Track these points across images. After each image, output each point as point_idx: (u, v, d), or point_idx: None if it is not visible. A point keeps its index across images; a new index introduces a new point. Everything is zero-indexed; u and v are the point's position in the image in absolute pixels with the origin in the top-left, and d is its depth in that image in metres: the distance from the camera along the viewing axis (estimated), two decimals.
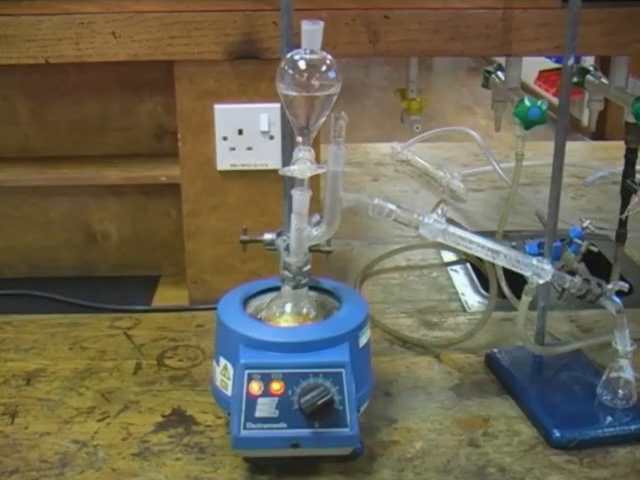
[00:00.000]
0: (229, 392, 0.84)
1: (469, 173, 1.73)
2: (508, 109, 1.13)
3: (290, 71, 0.81)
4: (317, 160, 0.85)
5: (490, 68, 1.20)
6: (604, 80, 1.13)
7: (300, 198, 0.83)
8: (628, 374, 0.93)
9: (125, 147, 1.25)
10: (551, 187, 0.96)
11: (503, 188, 1.64)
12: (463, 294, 1.26)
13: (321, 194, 0.92)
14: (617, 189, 1.11)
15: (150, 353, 1.08)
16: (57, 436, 0.92)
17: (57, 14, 1.06)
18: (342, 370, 0.82)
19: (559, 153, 0.95)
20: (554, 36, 1.07)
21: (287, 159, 0.90)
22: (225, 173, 1.15)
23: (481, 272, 1.28)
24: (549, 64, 1.29)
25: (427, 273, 1.33)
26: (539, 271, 0.89)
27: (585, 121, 3.48)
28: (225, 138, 1.12)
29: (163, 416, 0.95)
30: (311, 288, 0.91)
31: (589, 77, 1.14)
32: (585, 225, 0.97)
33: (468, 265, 1.34)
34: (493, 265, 1.10)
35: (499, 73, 1.18)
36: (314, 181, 0.86)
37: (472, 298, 1.24)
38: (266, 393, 0.82)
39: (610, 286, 0.91)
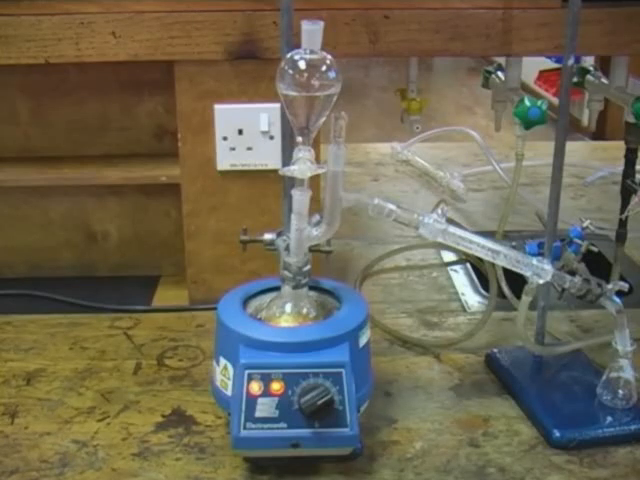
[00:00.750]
0: (229, 392, 0.84)
1: (469, 173, 1.73)
2: (508, 109, 1.13)
3: (290, 71, 0.81)
4: (317, 160, 0.85)
5: (490, 68, 1.20)
6: (604, 80, 1.13)
7: (300, 198, 0.83)
8: (628, 374, 0.93)
9: (125, 147, 1.25)
10: (551, 187, 0.96)
11: (503, 188, 1.64)
12: (463, 294, 1.26)
13: (321, 194, 0.92)
14: (617, 189, 1.11)
15: (150, 353, 1.08)
16: (57, 436, 0.92)
17: (57, 14, 1.06)
18: (342, 370, 0.82)
19: (559, 153, 0.95)
20: (554, 36, 1.07)
21: (287, 159, 0.90)
22: (225, 173, 1.15)
23: (481, 272, 1.28)
24: (549, 64, 1.29)
25: (427, 273, 1.33)
26: (539, 271, 0.89)
27: (585, 121, 3.47)
28: (225, 138, 1.12)
29: (163, 416, 0.95)
30: (311, 288, 0.90)
31: (589, 77, 1.14)
32: (585, 225, 0.97)
33: (468, 265, 1.34)
34: (493, 265, 1.10)
35: (499, 73, 1.18)
36: (314, 181, 0.86)
37: (472, 298, 1.24)
38: (266, 393, 0.82)
39: (610, 286, 0.91)
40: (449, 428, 0.94)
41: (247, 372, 0.82)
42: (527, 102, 1.02)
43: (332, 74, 0.81)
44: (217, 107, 1.11)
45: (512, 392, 0.99)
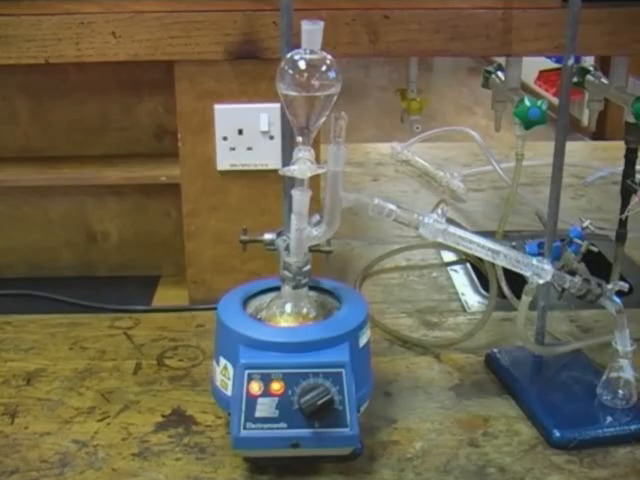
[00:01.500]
0: (229, 392, 0.84)
1: (469, 173, 1.73)
2: (508, 109, 1.13)
3: (290, 71, 0.81)
4: (317, 160, 0.85)
5: (490, 68, 1.20)
6: (604, 80, 1.13)
7: (300, 198, 0.83)
8: (628, 374, 0.93)
9: (125, 147, 1.25)
10: (551, 187, 0.96)
11: (503, 188, 1.64)
12: (463, 294, 1.26)
13: (321, 194, 0.92)
14: (617, 189, 1.11)
15: (150, 353, 1.08)
16: (57, 436, 0.92)
17: (57, 14, 1.06)
18: (342, 370, 0.82)
19: (559, 153, 0.95)
20: (554, 36, 1.07)
21: (287, 159, 0.90)
22: (225, 173, 1.15)
23: (481, 272, 1.28)
24: (549, 64, 1.29)
25: (427, 273, 1.33)
26: (539, 271, 0.89)
27: (585, 121, 3.47)
28: (225, 138, 1.12)
29: (163, 416, 0.95)
30: (311, 288, 0.90)
31: (589, 77, 1.14)
32: (585, 225, 0.97)
33: (468, 265, 1.34)
34: (493, 265, 1.10)
35: (499, 73, 1.18)
36: (314, 181, 0.86)
37: (472, 298, 1.24)
38: (266, 393, 0.82)
39: (610, 286, 0.91)
40: (449, 428, 0.94)
41: (247, 372, 0.82)
42: (527, 102, 1.02)
43: (332, 74, 0.81)
44: (217, 107, 1.11)
45: (512, 392, 0.99)
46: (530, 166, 1.62)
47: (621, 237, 1.12)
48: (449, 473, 0.86)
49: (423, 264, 1.36)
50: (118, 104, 1.23)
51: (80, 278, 1.29)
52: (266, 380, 0.82)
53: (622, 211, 1.09)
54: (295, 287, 0.87)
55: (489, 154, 1.67)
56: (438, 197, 1.62)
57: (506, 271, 0.97)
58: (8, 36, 1.06)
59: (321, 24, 0.80)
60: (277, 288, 0.90)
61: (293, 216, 0.84)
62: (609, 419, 0.93)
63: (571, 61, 0.91)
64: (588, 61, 1.20)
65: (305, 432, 0.82)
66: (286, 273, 0.87)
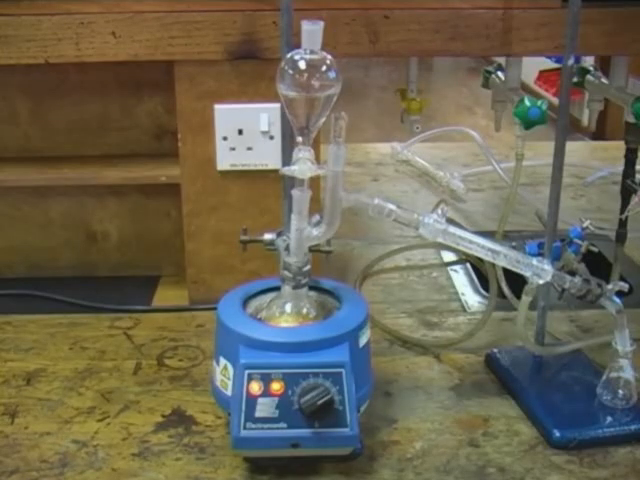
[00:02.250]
0: (229, 392, 0.84)
1: (469, 173, 1.73)
2: (508, 109, 1.13)
3: (290, 71, 0.81)
4: (317, 160, 0.85)
5: (490, 68, 1.20)
6: (604, 80, 1.13)
7: (300, 198, 0.83)
8: (628, 374, 0.93)
9: (125, 147, 1.25)
10: (551, 187, 0.96)
11: (503, 188, 1.64)
12: (463, 294, 1.26)
13: (321, 194, 0.92)
14: (617, 189, 1.11)
15: (150, 353, 1.08)
16: (57, 436, 0.92)
17: (57, 14, 1.06)
18: (342, 370, 0.82)
19: (559, 153, 0.95)
20: (554, 36, 1.07)
21: (287, 159, 0.90)
22: (225, 173, 1.15)
23: (481, 272, 1.28)
24: (549, 64, 1.29)
25: (427, 273, 1.33)
26: (539, 271, 0.89)
27: (585, 121, 3.47)
28: (225, 138, 1.12)
29: (163, 416, 0.95)
30: (311, 288, 0.90)
31: (589, 77, 1.14)
32: (585, 225, 0.97)
33: (468, 265, 1.34)
34: (493, 265, 1.10)
35: (499, 73, 1.18)
36: (314, 181, 0.86)
37: (472, 298, 1.24)
38: (266, 393, 0.82)
39: (610, 286, 0.91)
40: (449, 428, 0.94)
41: (247, 372, 0.82)
42: (527, 102, 1.02)
43: (332, 74, 0.81)
44: (217, 107, 1.11)
45: (512, 392, 0.99)
46: (530, 166, 1.62)
47: (621, 237, 1.12)
48: (449, 473, 0.86)
49: (423, 264, 1.36)
50: (118, 104, 1.23)
51: (80, 278, 1.29)
52: (266, 380, 0.82)
53: (622, 211, 1.09)
54: (295, 287, 0.87)
55: (489, 154, 1.67)
56: (438, 197, 1.62)
57: (506, 271, 0.97)
58: (8, 36, 1.06)
59: (321, 24, 0.80)
60: (277, 288, 0.90)
61: (293, 216, 0.84)
62: (609, 419, 0.93)
63: (571, 61, 0.91)
64: (588, 61, 1.20)
65: (305, 432, 0.82)
66: (286, 273, 0.87)
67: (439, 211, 0.86)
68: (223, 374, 0.85)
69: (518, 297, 0.97)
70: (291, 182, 0.85)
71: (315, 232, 0.85)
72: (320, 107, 0.82)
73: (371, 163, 1.84)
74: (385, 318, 1.17)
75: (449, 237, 0.87)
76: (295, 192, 0.83)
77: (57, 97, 1.22)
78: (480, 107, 4.88)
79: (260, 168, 1.14)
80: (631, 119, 1.06)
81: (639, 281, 1.27)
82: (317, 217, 0.86)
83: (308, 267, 0.87)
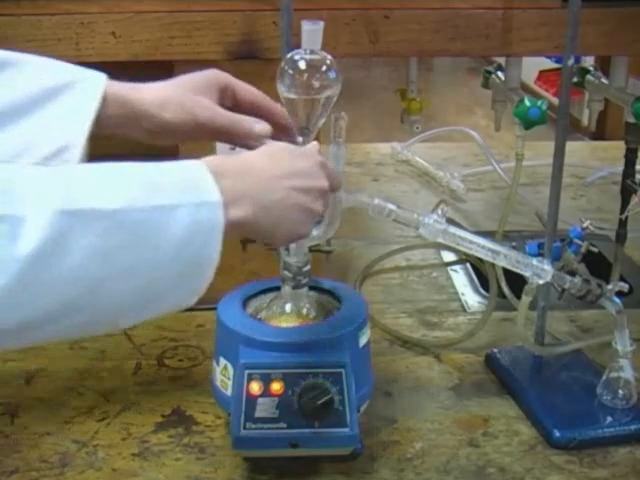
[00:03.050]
0: (229, 392, 0.84)
1: (469, 173, 1.73)
2: (508, 109, 1.13)
3: (290, 71, 0.81)
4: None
5: (490, 68, 1.20)
6: (604, 80, 1.13)
7: None
8: (628, 374, 0.93)
9: (125, 147, 1.24)
10: (551, 187, 0.96)
11: (503, 188, 1.63)
12: (463, 294, 1.26)
13: None
14: (617, 189, 1.11)
15: (150, 353, 1.08)
16: (57, 436, 0.92)
17: (57, 14, 1.06)
18: (342, 370, 0.82)
19: (559, 153, 0.95)
20: (554, 36, 1.07)
21: None
22: None
23: (481, 272, 1.28)
24: (549, 64, 1.29)
25: (427, 273, 1.33)
26: (539, 271, 0.89)
27: (585, 121, 3.47)
28: None
29: (163, 416, 0.95)
30: (311, 288, 0.90)
31: (589, 77, 1.14)
32: (585, 225, 0.97)
33: (468, 265, 1.34)
34: (493, 265, 1.10)
35: (499, 73, 1.18)
36: None
37: (472, 298, 1.24)
38: (266, 393, 0.82)
39: (610, 287, 0.91)
40: (449, 428, 0.94)
41: (247, 372, 0.82)
42: (527, 102, 1.02)
43: (332, 74, 0.81)
44: None
45: (512, 392, 0.99)
46: (530, 166, 1.62)
47: (621, 237, 1.12)
48: (449, 473, 0.86)
49: (423, 264, 1.36)
50: None
51: None
52: (266, 380, 0.82)
53: (622, 211, 1.09)
54: (295, 287, 0.87)
55: (489, 154, 1.67)
56: (438, 197, 1.62)
57: (506, 271, 0.97)
58: (8, 36, 1.06)
59: (321, 24, 0.80)
60: (277, 288, 0.90)
61: None
62: (609, 419, 0.93)
63: (571, 61, 0.91)
64: (588, 61, 1.20)
65: (305, 432, 0.82)
66: (286, 273, 0.87)
67: (439, 211, 0.86)
68: (223, 374, 0.85)
69: (518, 297, 0.97)
70: None
71: (315, 232, 0.85)
72: (320, 107, 0.82)
73: (371, 163, 1.84)
74: (385, 318, 1.17)
75: (449, 237, 0.87)
76: None
77: None
78: (480, 107, 4.88)
79: None
80: (631, 119, 1.06)
81: (639, 281, 1.27)
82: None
83: (308, 267, 0.87)
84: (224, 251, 0.67)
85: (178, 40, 1.07)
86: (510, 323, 1.14)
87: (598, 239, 1.27)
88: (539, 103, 1.02)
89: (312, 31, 0.80)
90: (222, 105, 0.84)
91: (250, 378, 0.82)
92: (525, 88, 1.15)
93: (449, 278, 1.31)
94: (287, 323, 0.88)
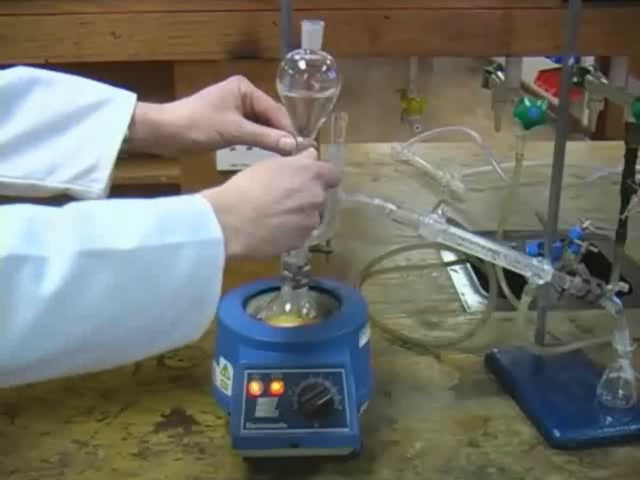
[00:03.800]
0: (229, 392, 0.84)
1: (469, 173, 1.73)
2: (508, 109, 1.13)
3: (290, 71, 0.81)
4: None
5: (490, 68, 1.20)
6: (604, 80, 1.13)
7: None
8: (628, 374, 0.93)
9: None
10: (551, 187, 0.96)
11: (503, 188, 1.63)
12: (463, 294, 1.26)
13: None
14: (617, 189, 1.10)
15: None
16: (57, 436, 0.92)
17: (57, 14, 1.06)
18: (342, 370, 0.82)
19: (559, 153, 0.95)
20: (554, 36, 1.07)
21: None
22: (225, 173, 1.14)
23: (481, 272, 1.28)
24: (549, 64, 1.29)
25: (427, 273, 1.33)
26: (539, 271, 0.89)
27: (585, 121, 3.46)
28: None
29: (163, 416, 0.95)
30: (311, 288, 0.90)
31: (589, 77, 1.14)
32: (585, 225, 0.97)
33: (468, 265, 1.34)
34: (493, 265, 1.09)
35: (499, 73, 1.18)
36: None
37: (472, 298, 1.24)
38: (266, 393, 0.82)
39: (610, 287, 0.91)
40: (449, 428, 0.94)
41: (247, 372, 0.82)
42: (527, 102, 1.02)
43: (332, 74, 0.81)
44: None
45: (512, 392, 0.99)
46: (530, 166, 1.62)
47: (621, 237, 1.12)
48: (449, 473, 0.86)
49: (423, 264, 1.36)
50: None
51: None
52: (266, 380, 0.82)
53: (622, 211, 1.08)
54: (295, 287, 0.87)
55: (489, 154, 1.67)
56: (438, 197, 1.61)
57: (506, 271, 0.97)
58: (8, 36, 1.06)
59: (321, 24, 0.80)
60: (277, 288, 0.90)
61: None
62: (609, 419, 0.93)
63: (571, 61, 0.91)
64: (588, 61, 1.20)
65: (305, 432, 0.82)
66: (286, 273, 0.87)
67: (439, 211, 0.86)
68: (223, 374, 0.85)
69: (518, 297, 0.97)
70: None
71: (315, 232, 0.85)
72: (320, 107, 0.82)
73: (371, 163, 1.84)
74: (385, 318, 1.16)
75: (449, 237, 0.87)
76: None
77: None
78: (480, 107, 4.87)
79: None
80: (631, 119, 1.06)
81: (639, 281, 1.27)
82: None
83: (308, 267, 0.87)
84: None
85: (178, 40, 1.07)
86: (510, 323, 1.14)
87: (598, 239, 1.26)
88: (539, 103, 1.02)
89: (312, 31, 0.80)
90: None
91: (250, 378, 0.82)
92: (525, 88, 1.15)
93: (449, 278, 1.31)
94: (287, 323, 0.88)
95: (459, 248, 0.88)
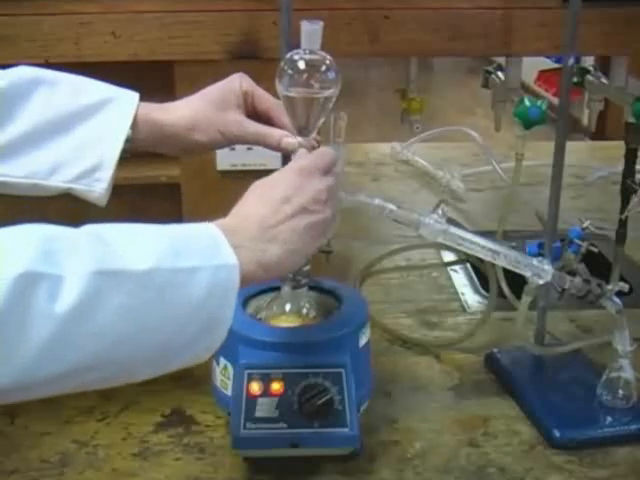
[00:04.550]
0: (229, 392, 0.84)
1: (469, 173, 1.73)
2: (508, 109, 1.13)
3: (290, 71, 0.81)
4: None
5: (490, 68, 1.20)
6: (604, 80, 1.13)
7: None
8: (628, 374, 0.93)
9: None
10: (551, 187, 0.96)
11: (503, 188, 1.63)
12: (463, 294, 1.26)
13: None
14: (617, 189, 1.10)
15: None
16: (57, 436, 0.92)
17: (57, 14, 1.06)
18: (342, 370, 0.82)
19: (559, 153, 0.95)
20: (554, 36, 1.07)
21: (287, 159, 0.90)
22: (225, 173, 1.14)
23: (481, 272, 1.28)
24: (549, 64, 1.29)
25: (427, 273, 1.33)
26: (539, 272, 0.89)
27: (585, 121, 3.46)
28: None
29: (163, 416, 0.95)
30: (311, 288, 0.90)
31: (589, 77, 1.14)
32: (585, 225, 0.97)
33: (468, 265, 1.34)
34: (493, 265, 1.09)
35: (499, 73, 1.18)
36: None
37: (472, 298, 1.24)
38: (266, 393, 0.82)
39: (610, 286, 0.91)
40: (449, 428, 0.94)
41: (247, 372, 0.82)
42: (527, 102, 1.02)
43: (332, 74, 0.81)
44: None
45: (512, 392, 0.99)
46: (530, 166, 1.62)
47: (621, 237, 1.12)
48: (449, 473, 0.86)
49: (423, 264, 1.36)
50: None
51: None
52: (266, 380, 0.82)
53: (622, 211, 1.08)
54: (295, 287, 0.87)
55: (489, 154, 1.67)
56: (438, 197, 1.61)
57: (506, 271, 0.97)
58: (8, 36, 1.06)
59: (321, 24, 0.80)
60: (277, 288, 0.90)
61: None
62: (609, 419, 0.93)
63: (571, 61, 0.91)
64: (588, 61, 1.20)
65: (305, 432, 0.82)
66: None
67: (439, 211, 0.86)
68: (223, 374, 0.85)
69: (518, 297, 0.97)
70: None
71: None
72: (320, 107, 0.82)
73: (371, 163, 1.84)
74: (385, 318, 1.16)
75: (449, 237, 0.87)
76: None
77: None
78: (480, 107, 4.88)
79: (260, 168, 1.14)
80: (631, 119, 1.06)
81: (639, 281, 1.27)
82: None
83: (308, 267, 0.87)
84: None
85: (178, 40, 1.07)
86: (510, 323, 1.14)
87: (598, 239, 1.27)
88: (539, 103, 1.02)
89: (312, 31, 0.80)
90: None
91: (250, 378, 0.82)
92: (525, 88, 1.15)
93: (449, 278, 1.31)
94: (287, 323, 0.88)
95: (459, 248, 0.88)
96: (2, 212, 1.27)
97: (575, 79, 1.12)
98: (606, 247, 1.24)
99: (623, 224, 1.11)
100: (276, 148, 0.86)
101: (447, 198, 1.61)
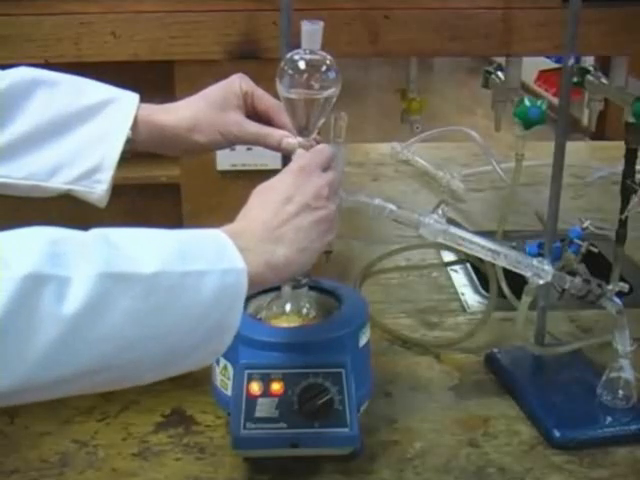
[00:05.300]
0: (229, 392, 0.84)
1: (469, 173, 1.73)
2: (508, 109, 1.13)
3: (290, 71, 0.81)
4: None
5: (490, 68, 1.20)
6: (604, 80, 1.13)
7: None
8: (628, 374, 0.93)
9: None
10: (551, 187, 0.96)
11: (503, 188, 1.63)
12: (463, 294, 1.26)
13: None
14: (617, 189, 1.10)
15: None
16: (57, 436, 0.92)
17: (57, 14, 1.06)
18: (342, 370, 0.82)
19: (559, 153, 0.95)
20: (554, 36, 1.07)
21: (287, 159, 0.90)
22: (225, 173, 1.14)
23: (481, 272, 1.28)
24: (549, 64, 1.29)
25: (427, 273, 1.33)
26: (539, 272, 0.89)
27: (585, 121, 3.46)
28: None
29: (163, 416, 0.95)
30: (311, 288, 0.90)
31: (589, 77, 1.14)
32: (585, 225, 0.97)
33: (468, 265, 1.34)
34: (493, 265, 1.10)
35: (499, 73, 1.18)
36: None
37: (472, 298, 1.24)
38: (266, 393, 0.82)
39: (610, 287, 0.91)
40: (449, 428, 0.94)
41: (247, 372, 0.82)
42: (527, 102, 1.02)
43: (332, 74, 0.81)
44: None
45: (512, 392, 0.99)
46: (530, 166, 1.62)
47: (621, 237, 1.12)
48: (449, 473, 0.86)
49: (423, 264, 1.36)
50: None
51: None
52: (266, 380, 0.82)
53: (622, 211, 1.08)
54: (295, 287, 0.87)
55: (489, 154, 1.67)
56: (438, 197, 1.61)
57: (506, 271, 0.97)
58: (8, 36, 1.06)
59: (321, 24, 0.80)
60: (277, 288, 0.90)
61: None
62: (609, 419, 0.93)
63: (571, 61, 0.91)
64: (588, 61, 1.20)
65: (305, 432, 0.82)
66: None
67: (439, 211, 0.86)
68: (223, 374, 0.85)
69: (518, 297, 0.97)
70: None
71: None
72: (320, 107, 0.82)
73: (371, 163, 1.84)
74: (385, 318, 1.16)
75: (449, 237, 0.87)
76: None
77: None
78: (480, 107, 4.88)
79: (260, 168, 1.14)
80: (631, 119, 1.06)
81: (639, 281, 1.27)
82: None
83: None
84: None
85: (178, 40, 1.07)
86: (510, 323, 1.14)
87: (598, 239, 1.27)
88: (539, 103, 1.02)
89: (312, 31, 0.80)
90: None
91: (250, 378, 0.82)
92: (525, 88, 1.15)
93: (449, 278, 1.31)
94: (287, 323, 0.88)
95: (459, 248, 0.88)
96: (2, 213, 1.27)
97: (575, 79, 1.12)
98: (606, 247, 1.24)
99: (623, 224, 1.11)
100: (276, 148, 0.86)
101: (447, 198, 1.61)
